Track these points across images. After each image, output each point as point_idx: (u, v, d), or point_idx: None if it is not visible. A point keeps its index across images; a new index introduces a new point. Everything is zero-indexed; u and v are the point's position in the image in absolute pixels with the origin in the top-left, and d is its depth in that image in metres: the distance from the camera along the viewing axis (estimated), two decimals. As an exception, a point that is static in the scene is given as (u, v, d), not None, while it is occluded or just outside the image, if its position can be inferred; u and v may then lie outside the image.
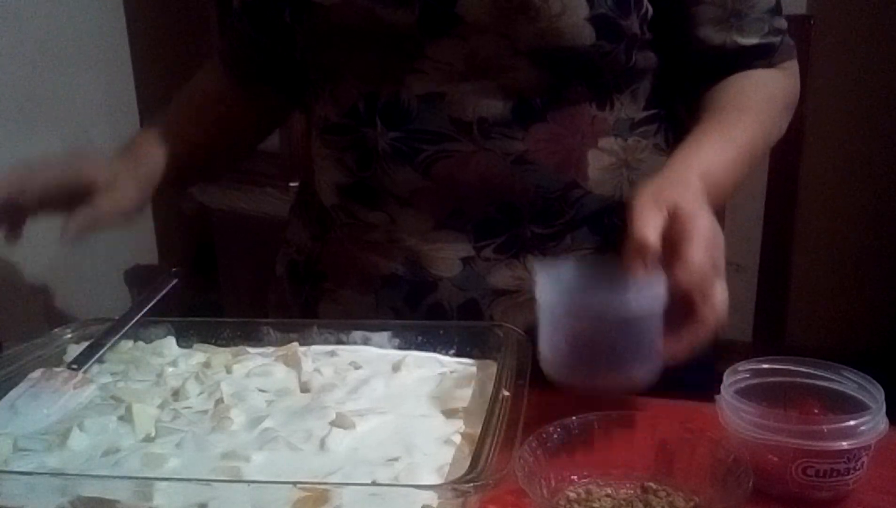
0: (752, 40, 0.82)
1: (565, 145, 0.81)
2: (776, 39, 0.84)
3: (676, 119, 0.89)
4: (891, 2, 1.98)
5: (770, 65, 0.84)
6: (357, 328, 0.78)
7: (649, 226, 0.65)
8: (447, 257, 0.83)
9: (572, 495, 0.58)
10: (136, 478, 0.57)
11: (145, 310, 0.80)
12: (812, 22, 1.10)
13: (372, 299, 0.87)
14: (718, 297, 0.63)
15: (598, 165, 0.82)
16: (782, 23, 0.85)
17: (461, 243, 0.83)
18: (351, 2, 0.79)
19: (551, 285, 0.66)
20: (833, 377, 0.64)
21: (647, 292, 0.63)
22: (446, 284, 0.84)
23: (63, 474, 0.59)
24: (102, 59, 1.85)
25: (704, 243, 0.64)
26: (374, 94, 0.82)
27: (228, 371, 0.74)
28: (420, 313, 0.84)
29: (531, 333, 0.73)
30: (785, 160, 1.17)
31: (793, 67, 0.87)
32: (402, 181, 0.82)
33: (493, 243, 0.82)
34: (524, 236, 0.83)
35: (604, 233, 0.84)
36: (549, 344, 0.66)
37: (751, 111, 0.81)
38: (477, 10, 0.76)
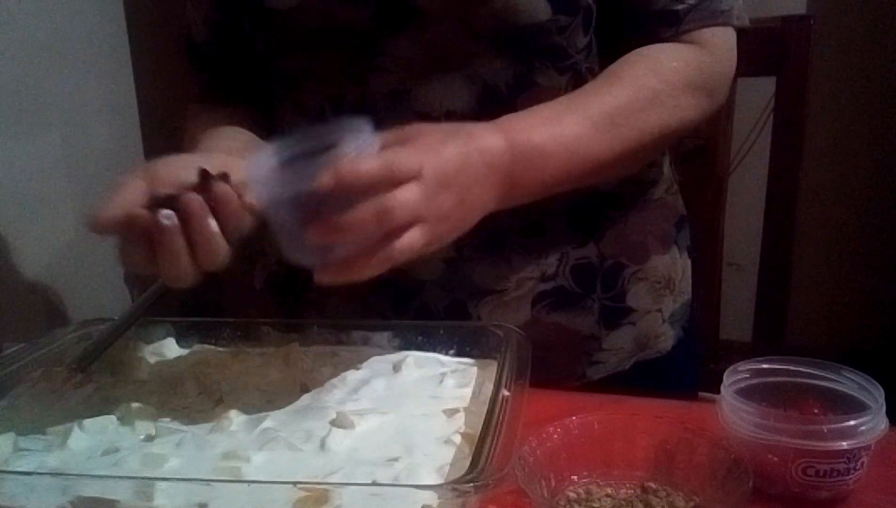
0: (655, 7, 0.78)
1: None
2: (682, 7, 0.78)
3: None
4: (891, 2, 1.98)
5: (676, 35, 0.78)
6: (357, 329, 0.78)
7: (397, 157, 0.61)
8: (429, 259, 0.82)
9: (572, 495, 0.58)
10: (136, 478, 0.57)
11: (145, 310, 0.80)
12: (812, 22, 1.09)
13: (358, 306, 0.87)
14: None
15: None
16: None
17: None
18: (307, 4, 0.78)
19: (260, 173, 0.62)
20: (833, 377, 0.64)
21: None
22: (431, 286, 0.83)
23: (63, 474, 0.59)
24: (102, 59, 1.85)
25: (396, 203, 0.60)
26: (338, 96, 0.81)
27: (228, 372, 0.74)
28: (407, 317, 0.84)
29: (523, 330, 0.73)
30: (785, 160, 1.16)
31: (712, 38, 0.79)
32: None
33: (474, 241, 0.81)
34: (503, 231, 0.82)
35: (582, 223, 0.84)
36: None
37: (618, 82, 0.76)
38: None
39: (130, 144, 1.96)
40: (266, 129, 0.93)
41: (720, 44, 0.80)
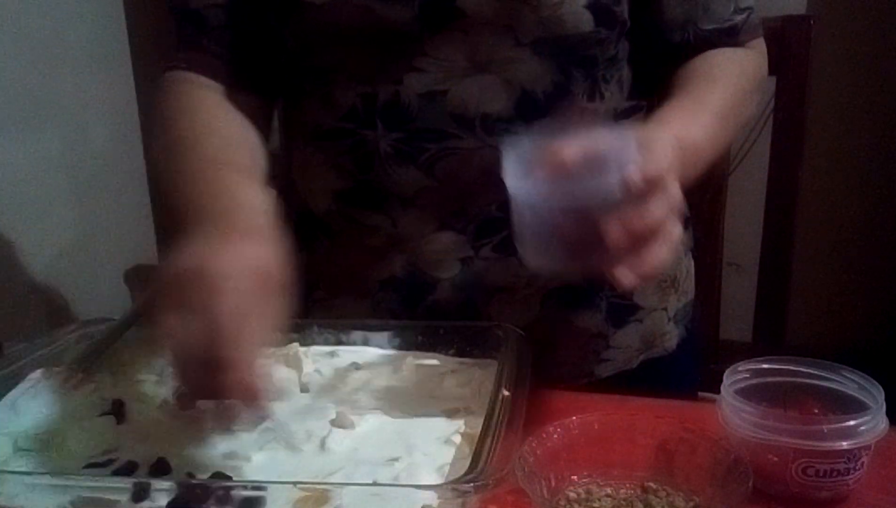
0: (715, 24, 0.83)
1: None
2: (740, 18, 0.83)
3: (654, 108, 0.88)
4: (891, 2, 1.98)
5: (736, 44, 0.84)
6: (357, 329, 0.78)
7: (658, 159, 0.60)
8: (447, 258, 0.83)
9: (572, 495, 0.58)
10: (136, 478, 0.57)
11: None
12: (812, 22, 1.10)
13: (368, 304, 0.86)
14: (672, 235, 0.60)
15: None
16: (748, 0, 0.84)
17: (461, 244, 0.82)
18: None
19: (516, 168, 0.60)
20: (833, 377, 0.64)
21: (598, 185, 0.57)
22: (445, 284, 0.83)
23: (63, 474, 0.59)
24: (102, 59, 1.85)
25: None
26: (372, 95, 0.80)
27: (228, 371, 0.74)
28: (418, 316, 0.84)
29: (529, 329, 0.73)
30: (785, 160, 1.16)
31: (760, 45, 0.87)
32: (405, 182, 0.81)
33: (492, 242, 0.82)
34: None
35: None
36: (517, 228, 0.62)
37: (721, 81, 0.80)
38: (479, 3, 0.75)
39: (130, 145, 1.96)
40: (262, 117, 0.87)
41: (762, 51, 0.88)
